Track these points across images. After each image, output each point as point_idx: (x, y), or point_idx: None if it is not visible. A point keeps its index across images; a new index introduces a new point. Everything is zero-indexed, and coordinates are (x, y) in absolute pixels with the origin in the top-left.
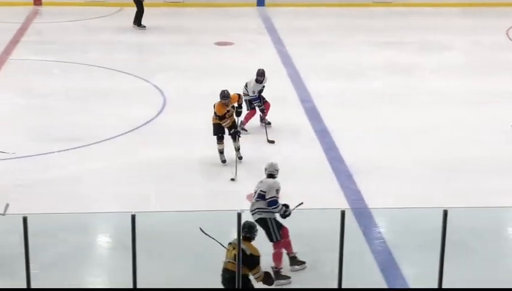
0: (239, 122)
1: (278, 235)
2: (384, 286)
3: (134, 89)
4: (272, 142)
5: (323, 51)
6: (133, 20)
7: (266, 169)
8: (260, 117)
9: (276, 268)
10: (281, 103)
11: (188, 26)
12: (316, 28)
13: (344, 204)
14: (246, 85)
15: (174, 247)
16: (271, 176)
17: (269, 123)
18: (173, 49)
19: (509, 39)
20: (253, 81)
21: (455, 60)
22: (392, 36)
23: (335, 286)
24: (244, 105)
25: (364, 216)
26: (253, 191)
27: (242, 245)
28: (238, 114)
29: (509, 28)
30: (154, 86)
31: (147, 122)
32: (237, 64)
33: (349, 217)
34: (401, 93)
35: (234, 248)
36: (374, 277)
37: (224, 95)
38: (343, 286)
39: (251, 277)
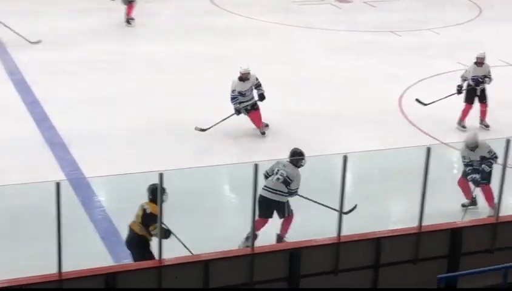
0: None
1: None
2: (106, 254)
3: None
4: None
5: (28, 20)
6: None
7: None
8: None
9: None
10: None
11: None
12: None
13: (60, 176)
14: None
15: None
16: None
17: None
18: None
19: (213, 3)
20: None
21: (163, 26)
22: (99, 3)
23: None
24: None
25: (81, 186)
26: None
27: (145, 205)
28: None
29: None
30: None
31: None
32: None
33: (66, 189)
34: (111, 60)
35: (141, 210)
36: (95, 245)
37: None
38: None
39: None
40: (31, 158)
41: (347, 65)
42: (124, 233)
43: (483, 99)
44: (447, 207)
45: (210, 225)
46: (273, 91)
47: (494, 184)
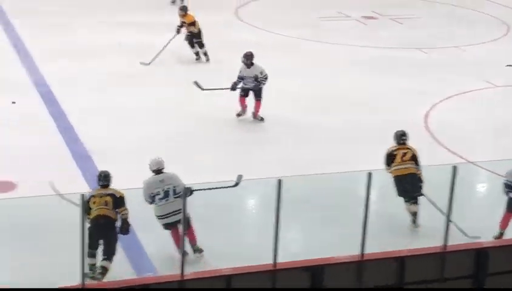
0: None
1: None
2: (128, 265)
3: None
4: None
5: (55, 33)
6: None
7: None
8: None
9: None
10: (15, 88)
11: None
12: (46, 10)
13: (85, 188)
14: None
15: None
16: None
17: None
18: None
19: (238, 17)
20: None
21: (184, 41)
22: (124, 17)
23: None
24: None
25: None
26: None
27: (110, 191)
28: None
29: (239, 7)
30: None
31: None
32: None
33: None
34: (132, 73)
35: (102, 196)
36: (117, 257)
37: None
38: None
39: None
40: (56, 169)
41: (372, 81)
42: (147, 245)
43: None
44: (471, 227)
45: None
46: (294, 105)
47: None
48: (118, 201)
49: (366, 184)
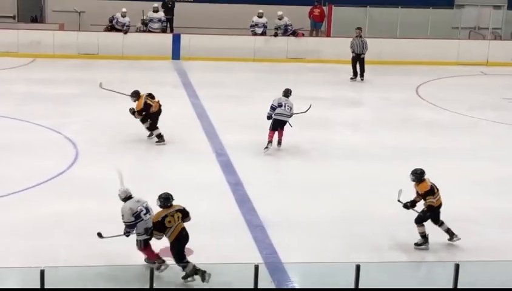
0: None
1: None
2: None
3: (47, 141)
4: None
5: (237, 104)
6: None
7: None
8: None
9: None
10: (196, 156)
11: (103, 78)
12: (230, 82)
13: (257, 258)
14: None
15: None
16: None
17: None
18: (86, 100)
19: (419, 96)
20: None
21: (366, 116)
22: (305, 91)
23: None
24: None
25: (277, 270)
26: None
27: (176, 207)
28: None
29: (420, 85)
30: (67, 138)
31: (59, 174)
32: None
33: (263, 272)
34: (313, 147)
35: (174, 214)
36: None
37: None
38: None
39: None
40: (230, 238)
41: None
42: None
43: None
44: None
45: None
46: (475, 188)
47: None
48: (185, 213)
49: None
